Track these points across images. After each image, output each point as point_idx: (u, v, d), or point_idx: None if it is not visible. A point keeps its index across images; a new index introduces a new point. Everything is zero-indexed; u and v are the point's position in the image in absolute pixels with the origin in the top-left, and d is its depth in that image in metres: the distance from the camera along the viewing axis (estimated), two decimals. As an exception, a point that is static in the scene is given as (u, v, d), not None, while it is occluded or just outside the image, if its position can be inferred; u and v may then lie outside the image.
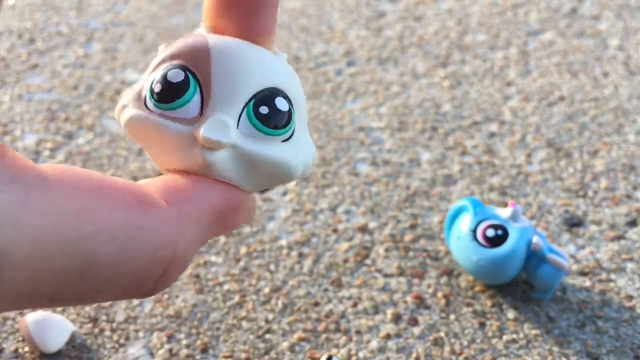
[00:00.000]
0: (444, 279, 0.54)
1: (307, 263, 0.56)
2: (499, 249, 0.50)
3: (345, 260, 0.56)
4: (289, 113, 0.25)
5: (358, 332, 0.50)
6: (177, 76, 0.24)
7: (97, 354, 0.48)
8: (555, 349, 0.49)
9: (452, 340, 0.50)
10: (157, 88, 0.24)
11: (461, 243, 0.51)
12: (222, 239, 0.58)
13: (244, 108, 0.24)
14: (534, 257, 0.51)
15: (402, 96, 0.77)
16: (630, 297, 0.53)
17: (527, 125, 0.72)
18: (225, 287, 0.54)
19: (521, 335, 0.50)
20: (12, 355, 0.48)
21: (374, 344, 0.49)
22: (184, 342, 0.49)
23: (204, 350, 0.49)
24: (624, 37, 0.88)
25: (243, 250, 0.57)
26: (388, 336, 0.50)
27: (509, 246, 0.49)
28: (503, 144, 0.69)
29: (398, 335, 0.50)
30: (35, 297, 0.20)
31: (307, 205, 0.62)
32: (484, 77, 0.80)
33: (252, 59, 0.25)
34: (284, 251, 0.57)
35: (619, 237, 0.58)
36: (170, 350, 0.49)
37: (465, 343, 0.49)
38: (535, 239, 0.50)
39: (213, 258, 0.56)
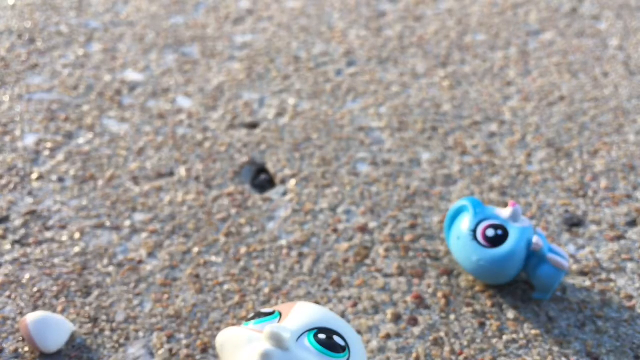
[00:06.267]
0: (444, 279, 0.54)
1: (307, 263, 0.56)
2: (499, 249, 0.50)
3: (345, 260, 0.56)
4: (343, 347, 0.37)
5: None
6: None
7: (97, 354, 0.48)
8: (555, 349, 0.49)
9: (452, 340, 0.50)
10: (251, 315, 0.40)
11: (461, 243, 0.51)
12: (222, 239, 0.58)
13: (305, 333, 0.37)
14: (534, 257, 0.51)
15: (402, 96, 0.77)
16: (630, 297, 0.53)
17: (527, 125, 0.72)
18: (225, 287, 0.54)
19: (521, 335, 0.50)
20: (12, 355, 0.48)
21: (374, 344, 0.49)
22: (184, 342, 0.49)
23: (204, 350, 0.49)
24: (624, 37, 0.88)
25: (243, 250, 0.57)
26: (388, 336, 0.50)
27: (509, 246, 0.49)
28: (503, 144, 0.69)
29: (398, 335, 0.50)
30: None
31: (307, 205, 0.62)
32: (484, 77, 0.80)
33: (322, 312, 0.39)
34: (284, 251, 0.57)
35: (619, 237, 0.58)
36: (170, 350, 0.49)
37: (465, 343, 0.49)
38: (535, 239, 0.50)
39: (213, 258, 0.56)
